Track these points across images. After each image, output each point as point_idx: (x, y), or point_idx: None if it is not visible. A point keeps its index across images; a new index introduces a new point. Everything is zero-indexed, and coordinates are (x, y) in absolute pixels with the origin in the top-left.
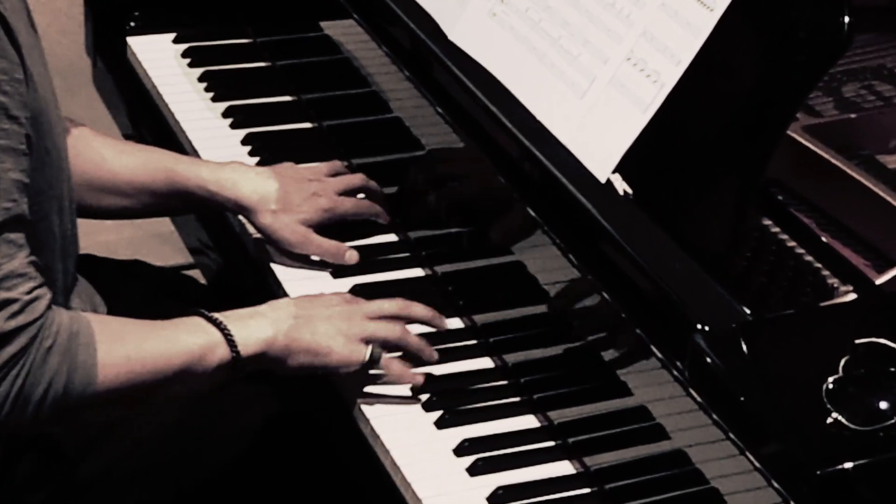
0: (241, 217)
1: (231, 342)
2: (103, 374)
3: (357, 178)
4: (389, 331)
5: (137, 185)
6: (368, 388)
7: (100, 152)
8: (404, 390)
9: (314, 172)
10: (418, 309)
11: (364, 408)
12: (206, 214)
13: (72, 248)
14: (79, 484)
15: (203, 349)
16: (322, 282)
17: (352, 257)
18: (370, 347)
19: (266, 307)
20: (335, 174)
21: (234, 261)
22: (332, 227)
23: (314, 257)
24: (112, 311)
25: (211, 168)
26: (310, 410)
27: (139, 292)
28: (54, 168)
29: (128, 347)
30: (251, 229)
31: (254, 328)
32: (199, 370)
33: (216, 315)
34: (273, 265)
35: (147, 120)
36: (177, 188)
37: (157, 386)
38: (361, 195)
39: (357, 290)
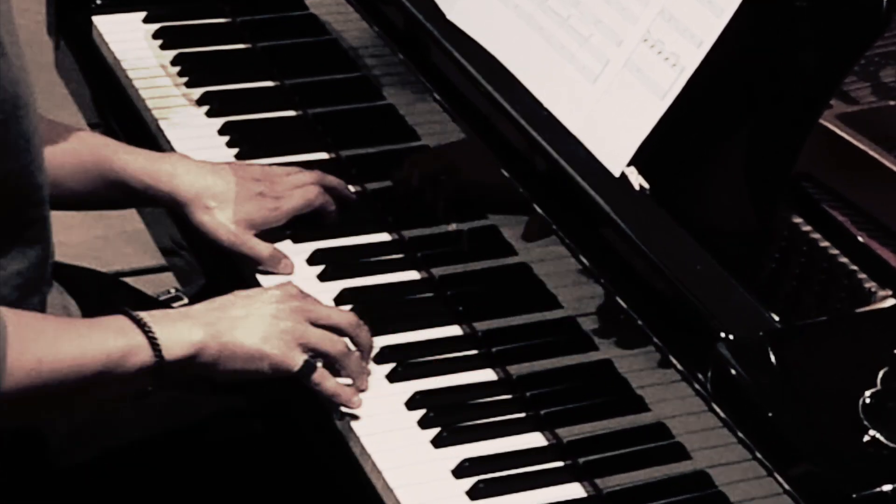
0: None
1: (155, 345)
2: (11, 374)
3: (312, 176)
4: (331, 344)
5: (70, 171)
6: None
7: None
8: (398, 404)
9: (265, 173)
10: (364, 337)
11: (353, 424)
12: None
13: (42, 238)
14: (58, 480)
15: (123, 352)
16: (306, 285)
17: (287, 266)
18: (305, 356)
19: (201, 307)
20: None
21: (209, 263)
22: (312, 224)
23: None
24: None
25: (148, 158)
26: (294, 426)
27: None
28: (25, 154)
29: (40, 347)
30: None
31: (182, 330)
32: (117, 374)
33: (141, 315)
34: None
35: (114, 108)
36: (110, 178)
37: (73, 390)
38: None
39: (346, 295)
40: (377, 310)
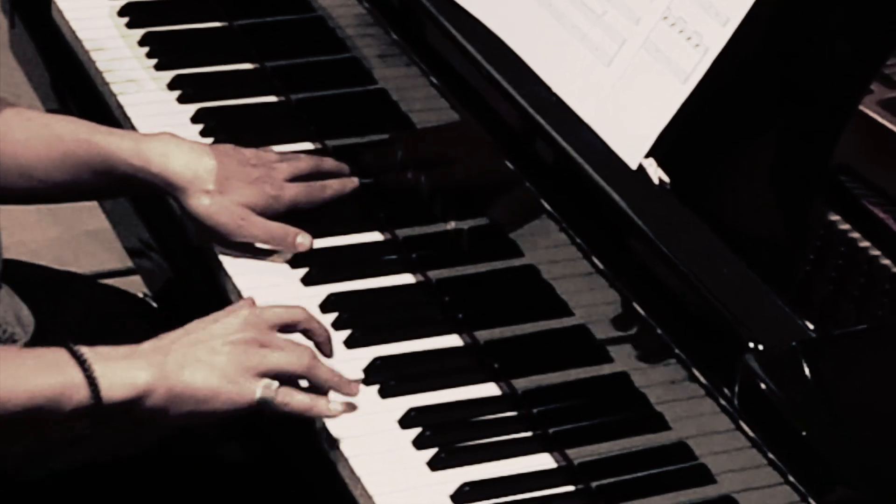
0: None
1: (93, 385)
2: None
3: (308, 162)
4: (296, 362)
5: (46, 161)
6: (346, 420)
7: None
8: (390, 422)
9: (260, 157)
10: (319, 328)
11: (341, 445)
12: (144, 205)
13: None
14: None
15: (56, 392)
16: (289, 289)
17: (304, 242)
18: (262, 384)
19: (150, 345)
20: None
21: (180, 264)
22: (299, 222)
23: (268, 258)
24: (42, 329)
25: (135, 139)
26: (275, 448)
27: (75, 311)
28: None
29: None
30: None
31: (125, 370)
32: (49, 414)
33: (83, 350)
34: (228, 269)
35: (76, 92)
36: (94, 164)
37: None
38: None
39: (332, 301)
40: (367, 317)
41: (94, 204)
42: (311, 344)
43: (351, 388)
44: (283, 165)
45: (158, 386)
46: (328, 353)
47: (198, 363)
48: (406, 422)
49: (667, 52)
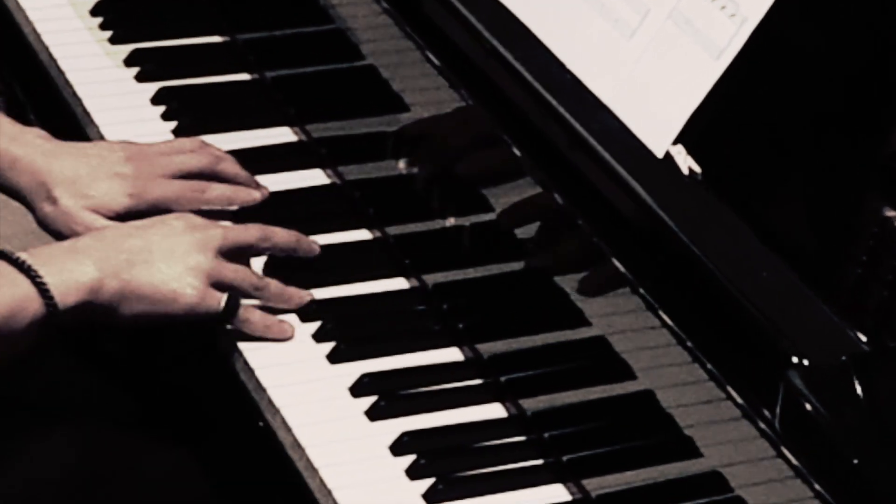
0: None
1: (45, 293)
2: None
3: (202, 161)
4: (247, 278)
5: None
6: (332, 448)
7: None
8: (381, 448)
9: (141, 152)
10: (281, 236)
11: (325, 474)
12: None
13: None
14: None
15: (9, 307)
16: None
17: None
18: (226, 295)
19: (90, 240)
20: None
21: None
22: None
23: None
24: None
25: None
26: (250, 475)
27: None
28: None
29: None
30: None
31: (73, 271)
32: (5, 332)
33: (23, 257)
34: None
35: (19, 71)
36: None
37: None
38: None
39: (315, 308)
40: (354, 328)
41: None
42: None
43: (301, 297)
44: (164, 161)
45: (109, 282)
46: (310, 250)
47: (151, 260)
48: (399, 448)
49: (697, 24)
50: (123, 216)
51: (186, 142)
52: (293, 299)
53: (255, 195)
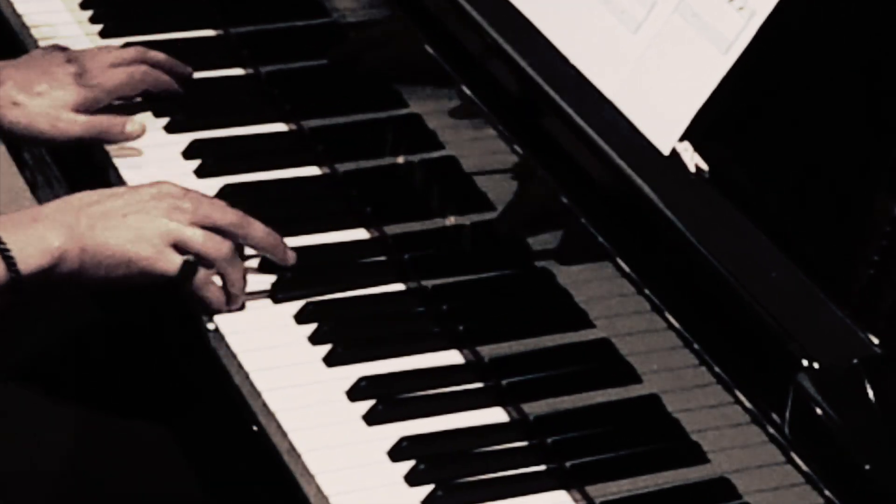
0: None
1: (8, 258)
2: None
3: (132, 52)
4: (214, 246)
5: None
6: (331, 452)
7: None
8: (378, 453)
9: (75, 54)
10: (258, 230)
11: (321, 480)
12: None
13: None
14: None
15: None
16: (258, 299)
17: (134, 130)
18: (182, 258)
19: (53, 206)
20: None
21: None
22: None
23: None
24: None
25: None
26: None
27: None
28: None
29: None
30: None
31: (36, 236)
32: None
33: None
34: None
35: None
36: None
37: None
38: None
39: (310, 310)
40: (351, 330)
41: (27, 197)
42: None
43: (287, 255)
44: (102, 56)
45: (72, 248)
46: (285, 260)
47: (111, 223)
48: (397, 453)
49: (705, 17)
50: (81, 108)
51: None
52: (239, 294)
53: (187, 70)
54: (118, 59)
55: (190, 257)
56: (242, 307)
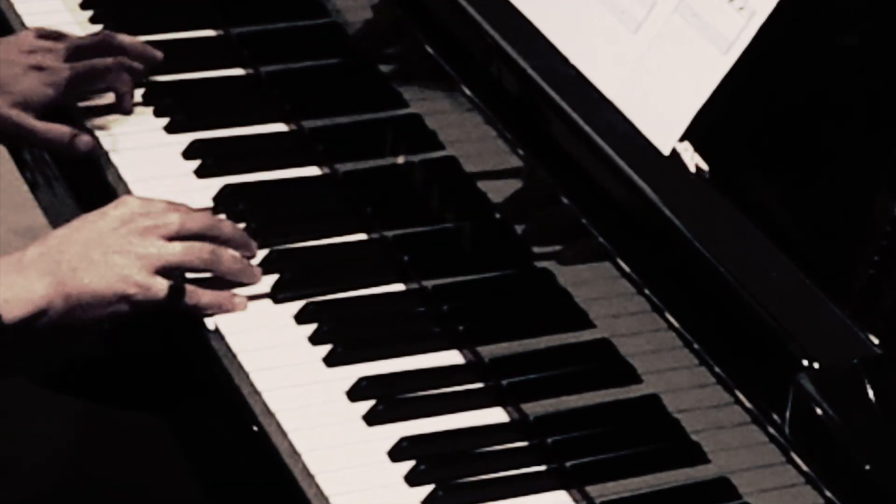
0: None
1: None
2: None
3: (95, 39)
4: (197, 254)
5: None
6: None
7: None
8: (378, 454)
9: (34, 44)
10: (227, 227)
11: (321, 480)
12: (89, 199)
13: None
14: None
15: None
16: (260, 298)
17: (86, 141)
18: (168, 281)
19: (33, 252)
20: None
21: None
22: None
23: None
24: None
25: None
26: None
27: None
28: None
29: None
30: None
31: (18, 286)
32: None
33: None
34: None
35: None
36: None
37: None
38: None
39: (310, 311)
40: (351, 330)
41: (27, 198)
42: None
43: (254, 273)
44: (60, 46)
45: (56, 297)
46: (251, 252)
47: (93, 264)
48: (397, 454)
49: (705, 17)
50: (50, 102)
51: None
52: (246, 272)
53: (157, 54)
54: (83, 47)
55: (175, 278)
56: (253, 280)
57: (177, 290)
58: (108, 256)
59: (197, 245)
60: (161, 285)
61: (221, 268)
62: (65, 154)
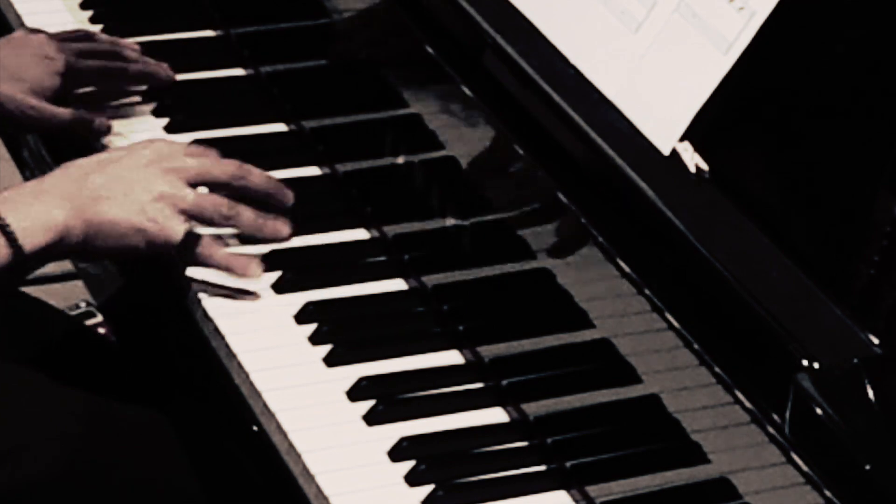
0: None
1: (10, 236)
2: None
3: (107, 43)
4: (212, 202)
5: None
6: (330, 454)
7: None
8: (379, 454)
9: (43, 40)
10: (256, 176)
11: (321, 481)
12: None
13: None
14: None
15: None
16: (258, 297)
17: (102, 123)
18: (187, 225)
19: (54, 178)
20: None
21: (133, 268)
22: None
23: None
24: None
25: None
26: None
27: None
28: None
29: None
30: None
31: (39, 212)
32: None
33: None
34: (189, 272)
35: None
36: None
37: None
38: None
39: (310, 310)
40: (351, 330)
41: None
42: None
43: (276, 228)
44: (75, 43)
45: (75, 223)
46: (285, 200)
47: (114, 194)
48: (397, 453)
49: (705, 17)
50: (59, 91)
51: (83, 32)
52: (267, 227)
53: (167, 75)
54: (93, 49)
55: (194, 225)
56: (276, 237)
57: (193, 238)
58: (130, 189)
59: (215, 198)
60: (178, 227)
61: (241, 223)
62: (80, 136)
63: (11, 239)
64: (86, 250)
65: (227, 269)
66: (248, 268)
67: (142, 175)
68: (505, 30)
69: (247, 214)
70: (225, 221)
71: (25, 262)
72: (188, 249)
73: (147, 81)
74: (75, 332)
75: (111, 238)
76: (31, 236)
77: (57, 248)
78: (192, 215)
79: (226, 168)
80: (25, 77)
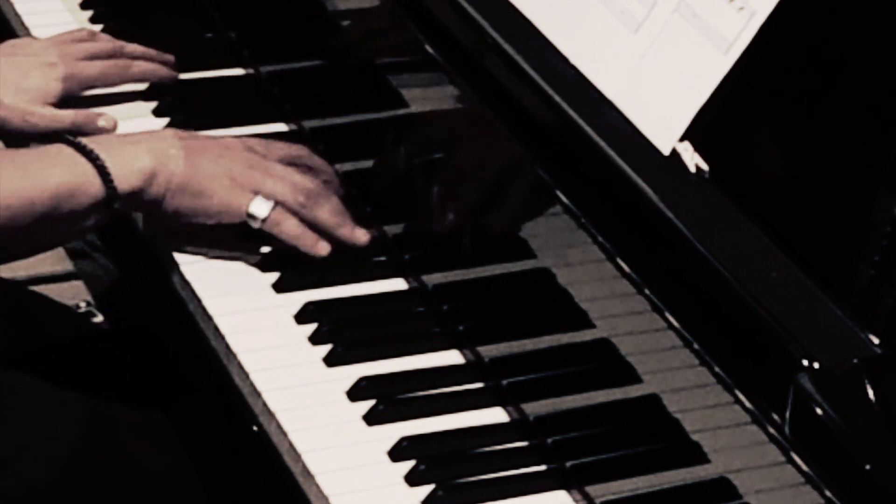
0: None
1: (105, 175)
2: None
3: (109, 45)
4: (293, 193)
5: None
6: (327, 453)
7: None
8: (379, 453)
9: (57, 41)
10: (319, 163)
11: (321, 479)
12: None
13: None
14: None
15: (72, 186)
16: (259, 296)
17: (108, 121)
18: (258, 198)
19: (143, 134)
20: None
21: (129, 266)
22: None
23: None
24: None
25: None
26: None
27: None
28: None
29: None
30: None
31: (131, 158)
32: (67, 211)
33: (84, 141)
34: (186, 274)
35: None
36: None
37: (17, 233)
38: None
39: (310, 311)
40: (351, 330)
41: None
42: None
43: (356, 234)
44: (77, 46)
45: (160, 174)
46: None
47: (195, 159)
48: (397, 453)
49: (705, 17)
50: (63, 100)
51: (84, 32)
52: (345, 229)
53: (169, 66)
54: (95, 52)
55: (274, 206)
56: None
57: (261, 208)
58: (218, 157)
59: (300, 187)
60: (246, 198)
61: (318, 215)
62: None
63: (106, 176)
64: (164, 203)
65: (296, 242)
66: (316, 245)
67: (221, 152)
68: (505, 30)
69: (327, 206)
70: (300, 210)
71: (115, 201)
72: (255, 218)
73: (150, 80)
74: (77, 329)
75: (190, 195)
76: (124, 179)
77: (140, 196)
78: (266, 192)
79: (308, 183)
80: (28, 87)
